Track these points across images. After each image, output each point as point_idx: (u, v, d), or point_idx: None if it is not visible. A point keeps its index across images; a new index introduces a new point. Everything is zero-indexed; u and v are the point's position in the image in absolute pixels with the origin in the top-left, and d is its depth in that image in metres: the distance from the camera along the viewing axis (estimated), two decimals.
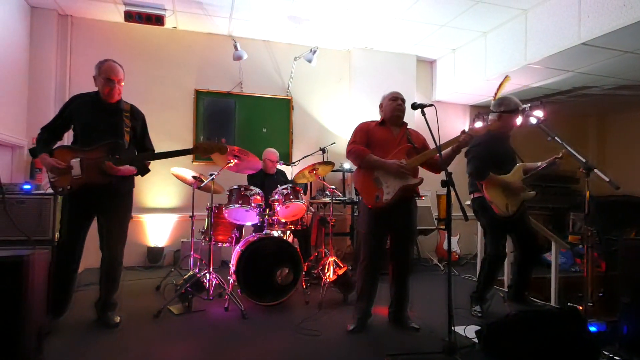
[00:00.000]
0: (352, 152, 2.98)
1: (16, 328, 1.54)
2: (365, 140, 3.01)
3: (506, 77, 5.29)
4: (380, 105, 3.16)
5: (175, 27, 5.51)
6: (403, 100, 3.09)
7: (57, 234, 3.00)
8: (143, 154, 3.03)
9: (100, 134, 2.81)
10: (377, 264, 3.02)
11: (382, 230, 3.02)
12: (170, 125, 5.43)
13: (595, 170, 2.76)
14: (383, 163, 2.88)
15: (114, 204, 2.93)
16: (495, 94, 5.40)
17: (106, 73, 2.83)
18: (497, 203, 3.28)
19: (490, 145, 3.27)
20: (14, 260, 1.55)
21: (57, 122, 2.89)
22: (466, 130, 2.81)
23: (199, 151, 3.03)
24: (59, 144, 2.92)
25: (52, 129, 2.88)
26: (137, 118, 3.05)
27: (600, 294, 3.36)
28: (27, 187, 3.24)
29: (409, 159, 2.88)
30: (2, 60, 4.27)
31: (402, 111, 3.07)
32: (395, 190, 2.85)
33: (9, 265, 1.56)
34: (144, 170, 3.05)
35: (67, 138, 3.03)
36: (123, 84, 2.94)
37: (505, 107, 3.33)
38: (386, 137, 3.01)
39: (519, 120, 3.38)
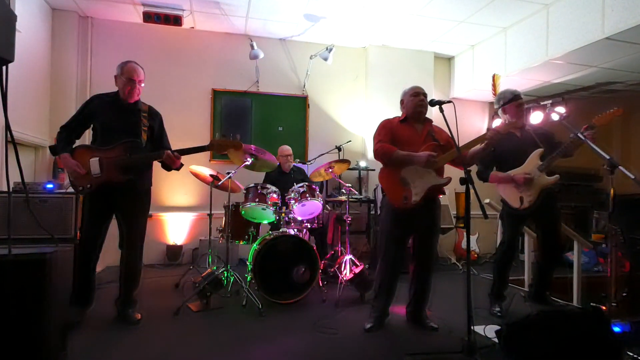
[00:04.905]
0: (379, 150, 2.88)
1: (41, 324, 1.57)
2: (390, 137, 2.92)
3: (494, 75, 5.29)
4: (402, 102, 3.07)
5: (192, 27, 5.56)
6: (425, 95, 2.99)
7: (78, 232, 3.06)
8: (156, 152, 3.00)
9: (118, 133, 2.87)
10: (397, 262, 2.98)
11: (405, 230, 2.97)
12: (188, 124, 5.49)
13: (620, 167, 2.69)
14: (413, 156, 2.79)
15: (133, 203, 2.98)
16: (493, 95, 5.33)
17: (129, 73, 2.92)
18: (509, 199, 3.25)
19: (494, 145, 3.17)
20: (39, 258, 1.58)
21: (76, 121, 2.95)
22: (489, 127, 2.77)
23: (214, 148, 3.09)
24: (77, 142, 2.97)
25: (72, 127, 2.94)
26: (155, 118, 3.11)
27: (625, 294, 3.29)
28: (49, 186, 3.29)
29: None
30: (25, 62, 4.37)
31: (425, 107, 2.97)
32: (424, 190, 2.80)
33: (34, 263, 1.58)
34: (170, 166, 3.04)
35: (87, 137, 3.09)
36: (143, 84, 3.01)
37: (503, 100, 3.33)
38: (410, 135, 2.93)
39: (520, 106, 3.29)
